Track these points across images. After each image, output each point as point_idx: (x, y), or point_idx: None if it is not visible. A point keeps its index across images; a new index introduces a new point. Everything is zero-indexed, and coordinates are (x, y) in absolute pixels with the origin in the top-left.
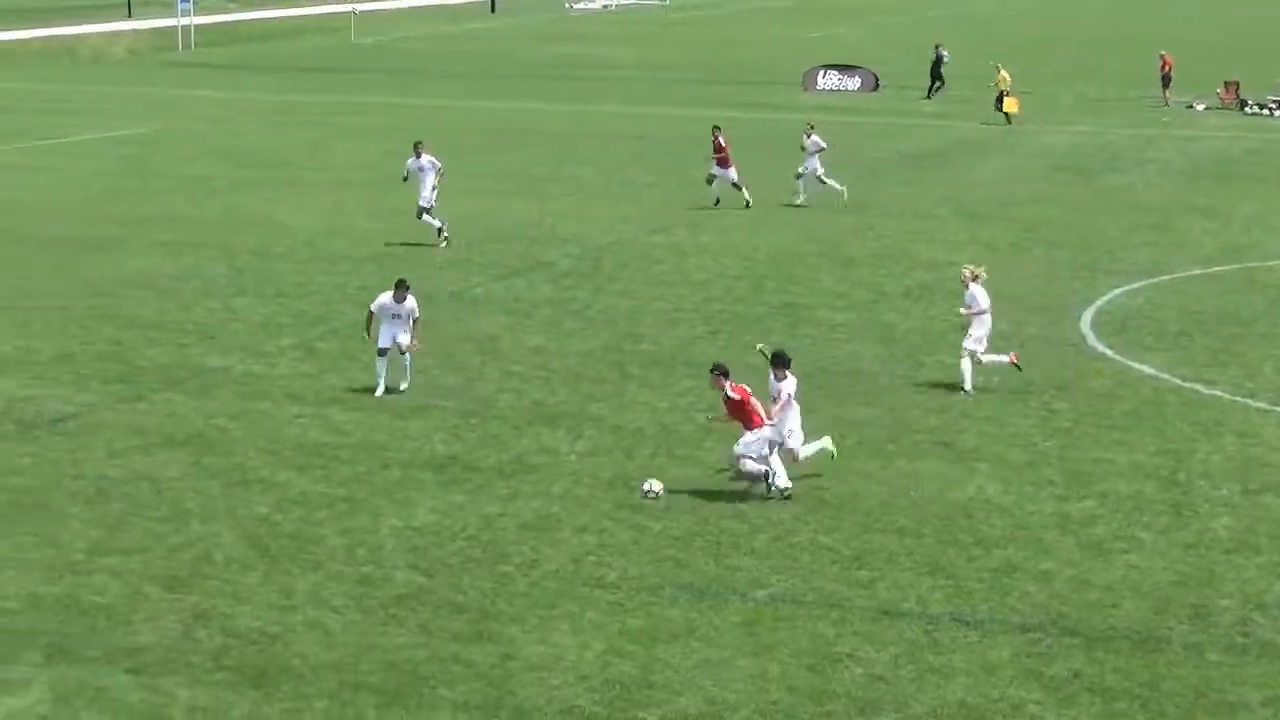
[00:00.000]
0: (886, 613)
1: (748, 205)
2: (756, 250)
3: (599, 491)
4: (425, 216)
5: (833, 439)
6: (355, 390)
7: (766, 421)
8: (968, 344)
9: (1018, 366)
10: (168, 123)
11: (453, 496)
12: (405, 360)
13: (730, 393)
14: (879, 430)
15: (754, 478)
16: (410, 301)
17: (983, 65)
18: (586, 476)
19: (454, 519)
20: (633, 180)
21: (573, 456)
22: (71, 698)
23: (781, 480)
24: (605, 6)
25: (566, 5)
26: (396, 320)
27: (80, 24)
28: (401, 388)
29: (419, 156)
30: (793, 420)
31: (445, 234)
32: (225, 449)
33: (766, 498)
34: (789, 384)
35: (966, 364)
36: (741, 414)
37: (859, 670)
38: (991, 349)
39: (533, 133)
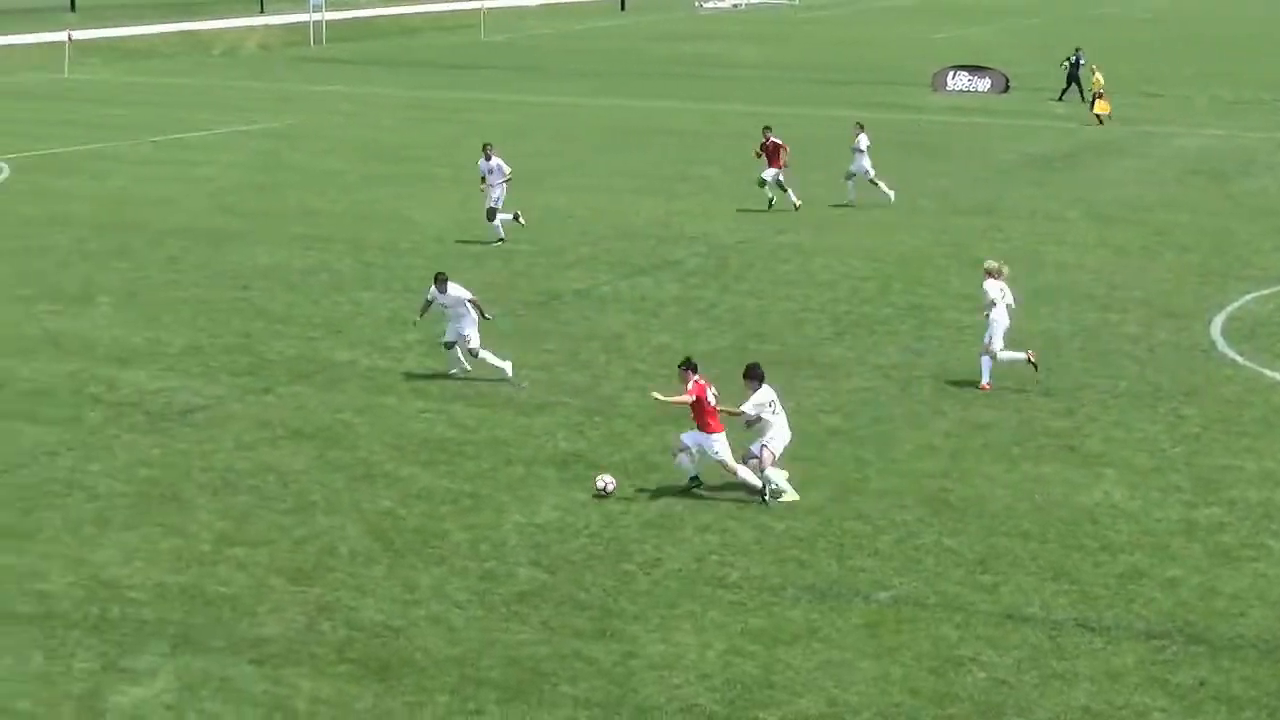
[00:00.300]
0: (1010, 617)
1: (770, 205)
2: (884, 251)
3: (722, 490)
4: (498, 218)
5: (796, 493)
6: (480, 386)
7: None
8: (985, 340)
9: (1034, 364)
10: (300, 117)
11: (576, 494)
12: (489, 358)
13: (690, 388)
14: (1004, 433)
15: (686, 471)
16: (454, 291)
17: (1115, 68)
18: (710, 475)
19: (577, 516)
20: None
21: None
22: (197, 687)
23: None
24: (735, 5)
25: (696, 4)
26: (452, 313)
27: (214, 19)
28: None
29: (489, 159)
30: (775, 431)
31: (521, 219)
32: (351, 443)
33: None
34: (759, 395)
35: (985, 360)
36: (698, 410)
37: (982, 674)
38: (1008, 345)
39: (661, 131)
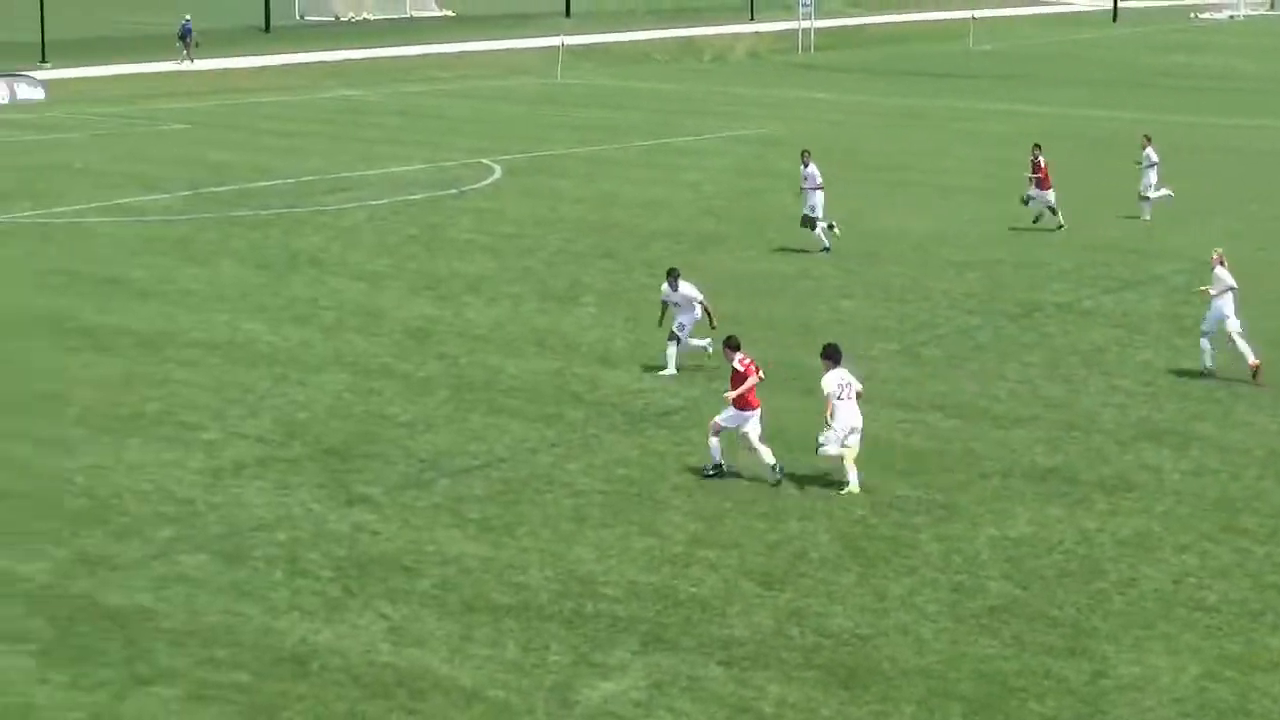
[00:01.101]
0: None
1: (1060, 228)
2: None
3: (1202, 511)
4: (816, 227)
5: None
6: (959, 397)
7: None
8: (1203, 325)
9: (1255, 375)
10: (786, 124)
11: (1050, 509)
12: (694, 343)
13: (737, 365)
14: None
15: (714, 455)
16: (685, 288)
17: None
18: (1190, 496)
19: (1051, 531)
20: (1245, 196)
21: (1177, 475)
22: (666, 685)
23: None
24: (1230, 16)
25: (1191, 15)
26: (679, 308)
27: (705, 26)
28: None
29: (806, 165)
30: (846, 415)
31: (829, 241)
32: None
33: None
34: (832, 376)
35: (1205, 343)
36: (739, 385)
37: None
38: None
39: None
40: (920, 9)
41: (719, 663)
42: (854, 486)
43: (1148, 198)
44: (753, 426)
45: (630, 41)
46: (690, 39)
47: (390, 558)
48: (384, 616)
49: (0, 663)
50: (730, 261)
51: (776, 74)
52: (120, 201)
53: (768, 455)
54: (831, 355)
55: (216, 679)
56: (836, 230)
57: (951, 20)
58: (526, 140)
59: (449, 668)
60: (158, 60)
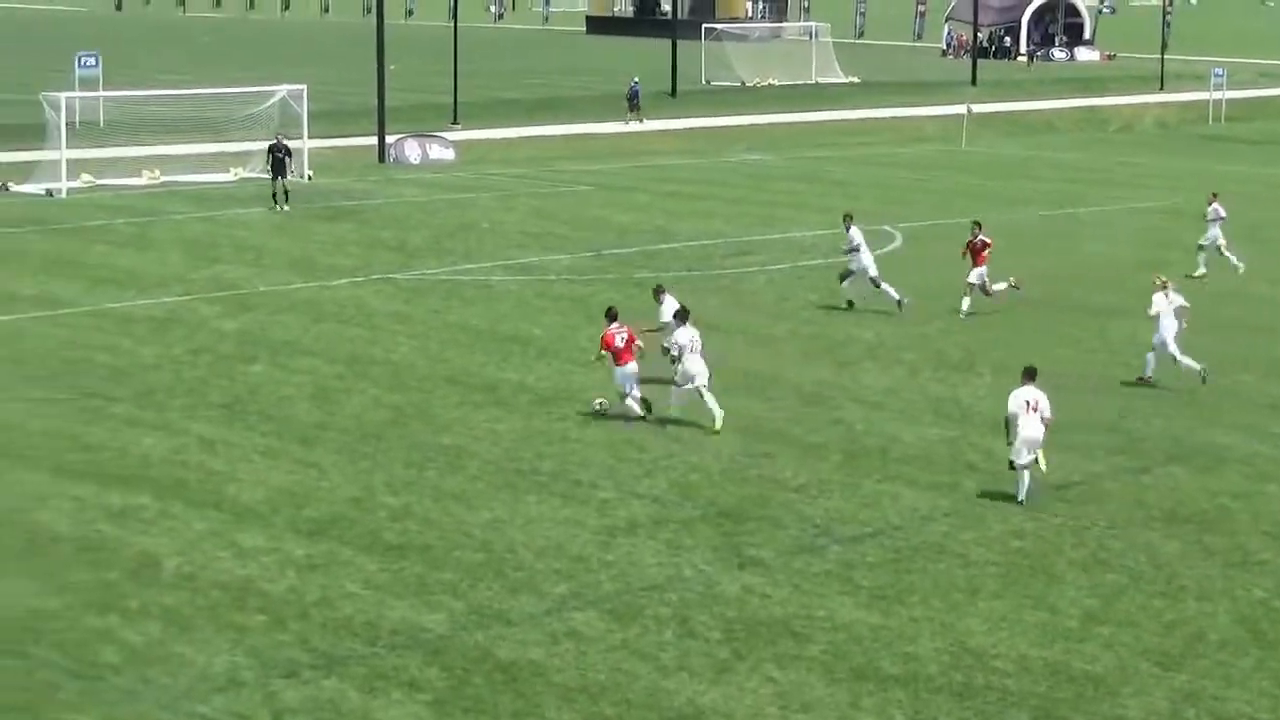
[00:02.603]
0: None
1: (957, 311)
2: None
3: None
4: (844, 281)
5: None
6: None
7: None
8: (1155, 339)
9: (1204, 379)
10: (1192, 196)
11: None
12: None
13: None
14: None
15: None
16: (667, 302)
17: None
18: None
19: None
20: None
21: None
22: None
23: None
24: None
25: None
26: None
27: (1113, 95)
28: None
29: (848, 229)
30: (693, 365)
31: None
32: (1227, 528)
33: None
34: (681, 333)
35: (1150, 356)
36: (610, 350)
37: None
38: (1184, 351)
39: None
40: None
41: None
42: (718, 415)
43: (1213, 248)
44: (635, 381)
45: (1034, 110)
46: (1096, 109)
47: (780, 622)
48: (772, 680)
49: (397, 711)
50: (1128, 333)
51: (1185, 145)
52: (524, 261)
53: (637, 392)
54: (680, 316)
55: None
56: (900, 298)
57: None
58: (927, 207)
59: None
60: (567, 123)
